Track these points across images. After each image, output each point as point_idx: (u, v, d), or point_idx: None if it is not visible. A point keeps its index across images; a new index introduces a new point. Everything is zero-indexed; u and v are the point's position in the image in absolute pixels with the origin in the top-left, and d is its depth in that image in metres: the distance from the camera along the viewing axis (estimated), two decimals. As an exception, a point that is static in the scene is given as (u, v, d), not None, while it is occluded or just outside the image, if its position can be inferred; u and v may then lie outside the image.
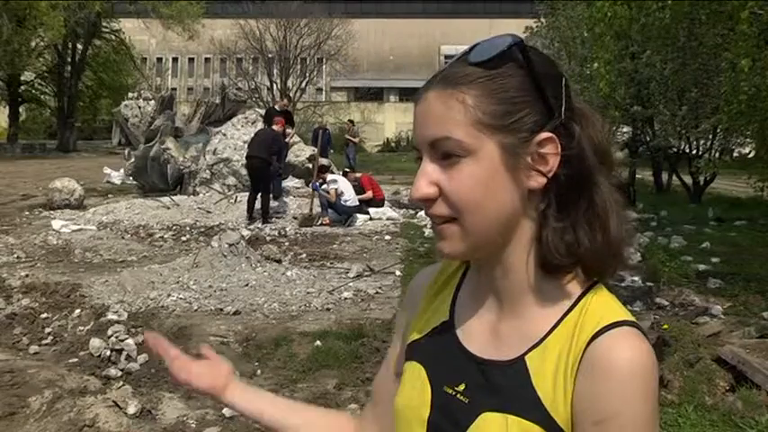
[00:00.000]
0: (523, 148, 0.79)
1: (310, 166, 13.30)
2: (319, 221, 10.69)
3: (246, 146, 11.48)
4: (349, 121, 23.61)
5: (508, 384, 0.82)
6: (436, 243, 0.84)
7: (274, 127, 11.36)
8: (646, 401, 0.76)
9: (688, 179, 15.00)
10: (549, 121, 0.79)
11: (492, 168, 0.78)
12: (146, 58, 42.06)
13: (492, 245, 0.82)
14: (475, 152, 0.78)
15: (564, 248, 0.80)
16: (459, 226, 0.80)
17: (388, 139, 39.95)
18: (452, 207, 0.79)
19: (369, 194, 11.96)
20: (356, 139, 21.83)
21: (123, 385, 3.99)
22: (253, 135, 11.52)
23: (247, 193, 11.28)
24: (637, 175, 16.74)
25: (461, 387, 0.85)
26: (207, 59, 46.55)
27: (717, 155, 14.64)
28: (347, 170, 13.39)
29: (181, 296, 5.90)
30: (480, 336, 0.87)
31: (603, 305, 0.81)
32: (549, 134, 0.79)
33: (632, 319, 0.80)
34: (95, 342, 4.90)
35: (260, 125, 12.98)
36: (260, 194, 10.66)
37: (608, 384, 0.76)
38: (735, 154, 16.99)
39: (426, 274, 1.01)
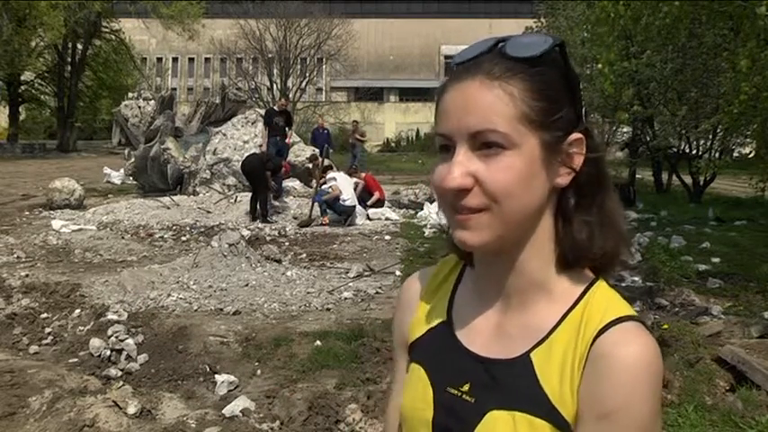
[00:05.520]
0: (558, 145, 0.81)
1: (310, 166, 13.32)
2: (319, 222, 10.69)
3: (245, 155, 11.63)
4: (354, 121, 23.67)
5: (514, 382, 0.82)
6: (458, 233, 0.81)
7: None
8: (651, 395, 0.77)
9: (688, 179, 15.00)
10: (579, 122, 0.82)
11: (531, 163, 0.79)
12: (146, 58, 42.07)
13: (515, 238, 0.82)
14: (518, 146, 0.78)
15: (580, 245, 0.83)
16: (492, 215, 0.79)
17: (388, 139, 39.96)
18: (490, 196, 0.78)
19: (377, 196, 11.97)
20: (363, 139, 21.90)
21: (123, 385, 3.99)
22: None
23: (246, 193, 11.37)
24: (637, 175, 16.75)
25: (466, 387, 0.85)
26: (207, 59, 46.57)
27: (717, 155, 14.63)
28: (354, 167, 13.34)
29: (181, 296, 5.90)
30: (483, 334, 0.87)
31: (607, 300, 0.83)
32: (580, 134, 0.82)
33: (635, 313, 0.82)
34: (95, 342, 4.90)
35: (260, 125, 13.00)
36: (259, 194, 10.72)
37: (614, 379, 0.77)
38: (735, 154, 16.99)
39: (419, 278, 1.00)
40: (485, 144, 0.78)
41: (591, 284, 0.85)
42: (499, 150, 0.78)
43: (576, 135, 0.81)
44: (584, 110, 0.83)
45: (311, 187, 12.29)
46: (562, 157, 0.81)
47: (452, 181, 0.78)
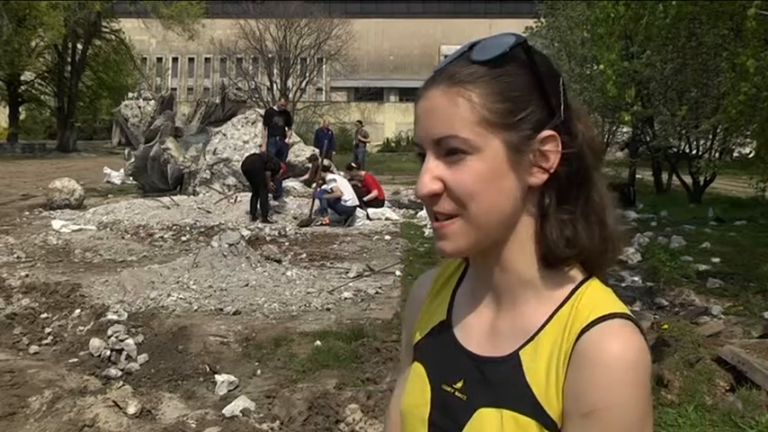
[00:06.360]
0: (527, 145, 0.80)
1: (310, 165, 13.32)
2: (319, 222, 10.70)
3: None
4: (358, 121, 23.68)
5: (502, 380, 0.82)
6: (436, 243, 0.83)
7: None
8: (634, 394, 0.75)
9: (688, 179, 14.99)
10: (550, 120, 0.81)
11: (497, 165, 0.79)
12: (146, 58, 42.06)
13: (492, 240, 0.83)
14: (481, 149, 0.79)
15: (564, 243, 0.82)
16: (463, 221, 0.80)
17: (388, 139, 39.95)
18: (457, 201, 0.80)
19: (374, 194, 11.98)
20: (367, 140, 21.93)
21: (123, 385, 3.99)
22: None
23: (246, 193, 11.39)
24: (637, 175, 16.76)
25: (459, 384, 0.86)
26: (207, 59, 46.56)
27: (717, 155, 14.63)
28: (353, 165, 13.34)
29: (181, 296, 5.90)
30: (478, 333, 0.88)
31: (595, 298, 0.82)
32: (551, 132, 0.81)
33: (625, 311, 0.80)
34: (95, 342, 4.90)
35: (260, 125, 13.01)
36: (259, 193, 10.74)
37: (595, 377, 0.76)
38: (735, 154, 16.99)
39: (425, 279, 1.02)
40: (450, 150, 0.79)
41: (581, 283, 0.84)
42: (462, 156, 0.79)
43: (546, 133, 0.80)
44: (562, 106, 0.81)
45: (311, 188, 12.30)
46: (534, 156, 0.80)
47: (423, 188, 0.80)
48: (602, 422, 0.75)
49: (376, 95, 45.74)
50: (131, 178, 15.38)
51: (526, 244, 0.84)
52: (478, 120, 0.79)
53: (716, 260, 7.69)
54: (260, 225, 10.37)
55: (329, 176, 11.19)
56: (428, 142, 0.81)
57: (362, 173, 12.72)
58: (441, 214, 0.81)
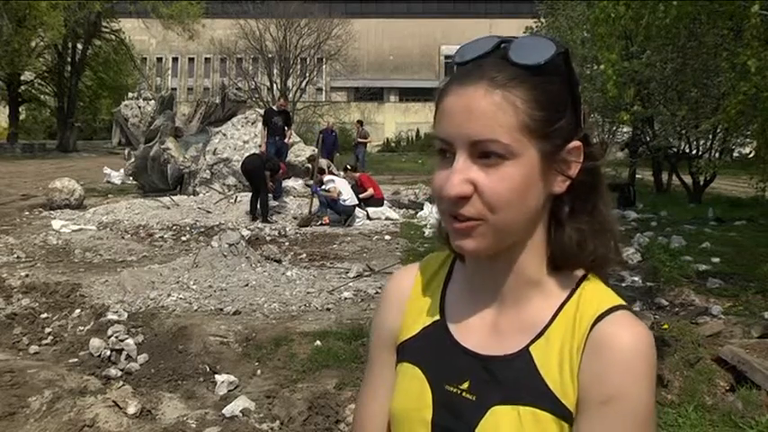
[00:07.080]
0: (557, 154, 0.81)
1: (310, 166, 13.33)
2: (319, 222, 10.70)
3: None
4: (358, 122, 23.64)
5: (515, 377, 0.83)
6: (457, 241, 0.82)
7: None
8: (648, 381, 0.79)
9: (688, 179, 14.99)
10: (576, 130, 0.82)
11: (530, 172, 0.79)
12: (146, 58, 42.04)
13: (511, 243, 0.83)
14: (518, 156, 0.78)
15: (575, 249, 0.84)
16: (487, 225, 0.79)
17: (388, 139, 39.93)
18: (487, 206, 0.79)
19: (369, 192, 11.99)
20: (367, 140, 21.93)
21: (123, 385, 3.99)
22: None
23: (246, 193, 11.40)
24: (637, 175, 16.75)
25: (465, 385, 0.85)
26: (207, 59, 46.55)
27: (717, 155, 14.62)
28: (348, 167, 13.34)
29: (181, 296, 5.90)
30: (479, 332, 0.88)
31: (598, 292, 0.85)
32: (579, 143, 0.82)
33: (625, 303, 0.84)
34: (95, 342, 4.90)
35: (260, 125, 13.01)
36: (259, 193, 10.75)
37: (613, 366, 0.78)
38: (735, 154, 16.99)
39: (406, 275, 0.99)
40: (485, 153, 0.78)
41: (582, 279, 0.86)
42: (499, 160, 0.78)
43: (574, 143, 0.82)
44: (583, 114, 0.83)
45: (310, 189, 12.32)
46: (559, 166, 0.81)
47: (452, 189, 0.78)
48: (619, 409, 0.78)
49: (376, 95, 45.72)
50: (131, 178, 15.39)
51: (539, 248, 0.85)
52: (520, 126, 0.78)
53: (716, 260, 7.69)
54: (260, 225, 10.37)
55: (326, 177, 11.21)
56: (462, 142, 0.79)
57: (357, 174, 12.71)
58: (464, 216, 0.80)
